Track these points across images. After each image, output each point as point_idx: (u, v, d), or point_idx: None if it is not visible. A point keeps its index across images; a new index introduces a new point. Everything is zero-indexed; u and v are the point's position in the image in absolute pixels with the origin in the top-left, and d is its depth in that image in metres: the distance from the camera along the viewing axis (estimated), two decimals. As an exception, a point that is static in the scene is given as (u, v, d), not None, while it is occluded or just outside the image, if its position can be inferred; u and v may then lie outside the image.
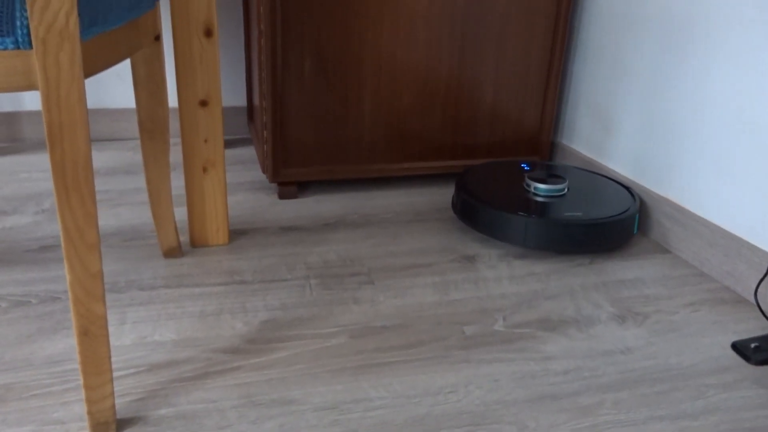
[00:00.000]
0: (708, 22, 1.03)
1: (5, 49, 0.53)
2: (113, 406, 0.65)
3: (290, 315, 0.88)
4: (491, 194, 1.14)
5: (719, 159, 1.03)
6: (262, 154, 1.30)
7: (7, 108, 1.55)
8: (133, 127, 1.63)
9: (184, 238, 1.09)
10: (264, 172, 1.31)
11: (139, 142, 1.62)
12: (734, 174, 1.00)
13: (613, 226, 1.07)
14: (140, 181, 1.35)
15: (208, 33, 0.94)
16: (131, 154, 1.53)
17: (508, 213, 1.06)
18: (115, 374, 0.75)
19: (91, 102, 1.60)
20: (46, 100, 0.54)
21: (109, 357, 0.64)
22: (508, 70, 1.33)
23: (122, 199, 1.25)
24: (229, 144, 1.63)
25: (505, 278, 1.01)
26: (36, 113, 1.57)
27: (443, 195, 1.34)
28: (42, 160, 1.45)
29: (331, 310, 0.90)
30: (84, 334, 0.62)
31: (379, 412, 0.71)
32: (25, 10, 0.52)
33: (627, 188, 1.20)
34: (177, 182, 1.34)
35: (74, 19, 0.53)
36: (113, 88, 1.60)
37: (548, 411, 0.72)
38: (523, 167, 1.27)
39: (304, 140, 1.27)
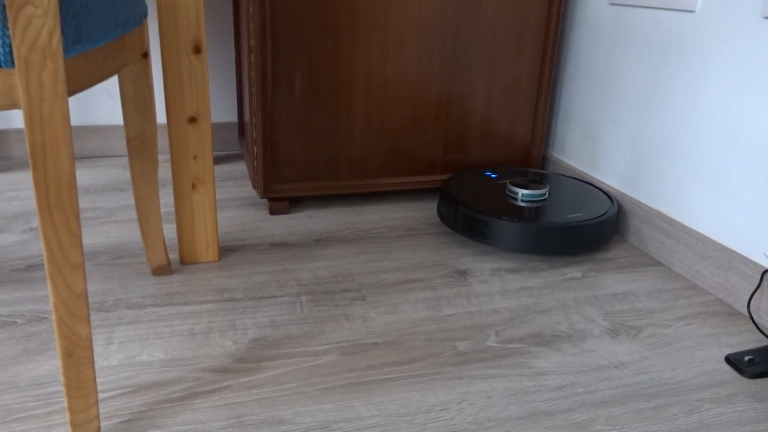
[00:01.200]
0: (700, 36, 1.04)
1: (-13, 67, 0.52)
2: (98, 429, 0.64)
3: (280, 332, 0.87)
4: (476, 201, 1.16)
5: (711, 172, 1.03)
6: (253, 169, 1.30)
7: (-4, 126, 1.55)
8: (122, 144, 1.63)
9: (174, 256, 1.08)
10: (255, 188, 1.30)
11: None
12: (726, 187, 1.00)
13: (597, 227, 1.10)
14: (129, 199, 1.34)
15: (197, 50, 0.94)
16: (121, 171, 1.52)
17: (494, 218, 1.09)
18: (102, 395, 0.74)
19: (81, 119, 1.59)
20: (29, 119, 0.54)
21: (94, 379, 0.62)
22: (499, 85, 1.33)
23: (111, 217, 1.24)
24: (219, 160, 1.62)
25: (497, 293, 1.00)
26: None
27: (434, 210, 1.34)
28: (30, 179, 1.44)
29: (322, 328, 0.89)
30: (68, 355, 0.61)
31: (370, 431, 0.70)
32: (7, 29, 0.52)
33: (604, 192, 1.24)
34: (166, 199, 1.33)
35: (57, 37, 0.52)
36: (102, 105, 1.59)
37: (542, 428, 0.71)
38: (489, 175, 1.28)
39: (295, 156, 1.26)
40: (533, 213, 1.12)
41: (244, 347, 0.84)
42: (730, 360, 0.84)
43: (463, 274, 1.06)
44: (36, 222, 1.20)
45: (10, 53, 0.52)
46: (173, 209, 1.28)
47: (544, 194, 1.19)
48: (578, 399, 0.76)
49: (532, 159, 1.41)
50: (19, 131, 1.56)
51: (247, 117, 1.41)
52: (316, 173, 1.29)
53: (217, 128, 1.67)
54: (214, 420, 0.70)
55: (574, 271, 1.09)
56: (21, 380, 0.76)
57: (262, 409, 0.72)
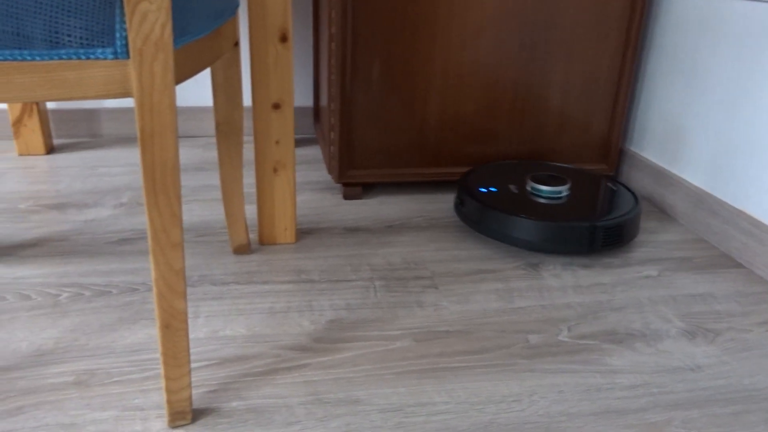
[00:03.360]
0: (794, 29, 0.99)
1: (105, 59, 0.56)
2: (190, 396, 0.69)
3: (355, 316, 0.90)
4: (495, 198, 1.14)
5: (802, 172, 0.99)
6: (328, 154, 1.33)
7: (88, 105, 1.64)
8: (203, 125, 1.69)
9: (253, 236, 1.13)
10: (330, 172, 1.33)
11: (210, 139, 1.68)
12: (818, 189, 0.96)
13: (621, 226, 1.08)
14: (211, 178, 1.40)
15: (284, 38, 0.97)
16: (202, 151, 1.58)
17: (512, 215, 1.08)
18: (191, 366, 0.78)
19: (166, 100, 1.66)
20: (140, 106, 0.57)
21: (188, 350, 0.67)
22: (578, 76, 1.31)
23: (194, 196, 1.30)
24: (295, 143, 1.67)
25: (570, 288, 1.00)
26: (115, 110, 1.65)
27: (507, 200, 1.33)
28: (120, 156, 1.52)
29: (395, 313, 0.91)
30: (166, 327, 0.65)
31: (442, 417, 0.71)
32: (124, 22, 0.55)
33: (628, 188, 1.21)
34: (248, 179, 1.38)
35: (169, 30, 0.56)
36: (186, 88, 1.66)
37: (614, 426, 0.71)
38: (481, 191, 1.17)
39: (370, 143, 1.29)
40: (549, 211, 1.10)
41: (321, 328, 0.87)
42: (815, 370, 0.82)
43: (535, 267, 1.06)
44: (126, 197, 1.28)
45: (126, 45, 0.56)
46: (254, 190, 1.33)
47: (560, 192, 1.15)
48: (652, 399, 0.76)
49: (609, 151, 1.38)
50: (108, 110, 1.65)
51: (323, 102, 1.44)
52: (389, 160, 1.31)
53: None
54: (294, 396, 0.74)
55: (650, 269, 1.07)
56: (117, 346, 0.82)
57: (339, 388, 0.75)
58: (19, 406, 0.71)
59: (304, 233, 1.15)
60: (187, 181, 1.38)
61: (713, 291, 1.01)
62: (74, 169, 1.43)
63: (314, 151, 1.61)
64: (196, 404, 0.72)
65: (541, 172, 1.25)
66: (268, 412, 0.71)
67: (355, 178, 1.30)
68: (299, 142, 1.68)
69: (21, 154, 1.51)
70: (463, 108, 1.29)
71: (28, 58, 0.54)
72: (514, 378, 0.78)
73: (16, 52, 0.54)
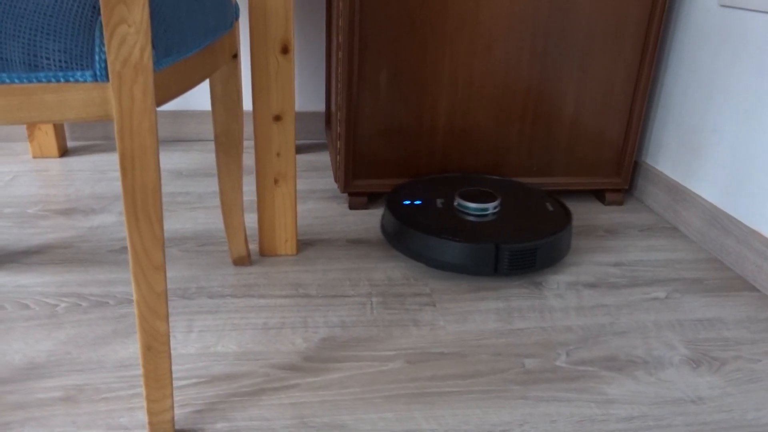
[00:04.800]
0: (815, 45, 0.95)
1: (84, 81, 0.55)
2: (173, 419, 0.68)
3: (349, 334, 0.89)
4: (414, 212, 1.09)
5: (819, 195, 0.95)
6: (335, 164, 1.32)
7: (103, 108, 1.65)
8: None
9: (254, 246, 1.12)
10: (336, 181, 1.32)
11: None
12: (835, 213, 0.92)
13: (547, 247, 1.03)
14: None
15: (285, 50, 0.96)
16: (211, 155, 1.58)
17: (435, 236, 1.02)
18: (178, 383, 0.78)
19: (178, 104, 1.67)
20: (120, 129, 0.57)
21: (170, 372, 0.66)
22: (592, 86, 1.28)
23: (200, 203, 1.30)
24: (305, 149, 1.66)
25: (572, 309, 0.97)
26: (128, 114, 1.66)
27: (515, 213, 1.31)
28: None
29: (390, 332, 0.90)
30: (147, 349, 0.65)
31: (428, 446, 0.70)
32: (104, 45, 0.55)
33: (565, 208, 1.14)
34: (249, 186, 1.38)
35: (148, 53, 0.55)
36: (198, 91, 1.66)
37: (606, 461, 0.69)
38: (404, 204, 1.13)
39: (377, 152, 1.27)
40: (464, 229, 1.04)
41: (314, 346, 0.86)
42: (824, 406, 0.78)
43: (538, 285, 1.04)
44: (132, 204, 1.28)
45: (106, 68, 0.55)
46: (255, 198, 1.32)
47: (487, 209, 1.09)
48: (648, 433, 0.73)
49: (623, 164, 1.35)
50: (123, 114, 1.65)
51: (334, 108, 1.43)
52: (396, 170, 1.29)
53: (304, 117, 1.71)
54: (279, 418, 0.73)
55: (658, 290, 1.04)
56: (108, 360, 0.82)
57: (325, 411, 0.74)
58: (7, 422, 0.71)
59: (306, 244, 1.14)
60: (194, 187, 1.38)
61: (723, 316, 0.97)
62: (85, 173, 1.44)
63: (325, 158, 1.60)
64: (181, 425, 0.72)
65: (479, 187, 1.19)
66: (252, 435, 0.70)
67: (360, 187, 1.29)
68: (311, 148, 1.67)
69: (35, 157, 1.53)
70: (472, 118, 1.27)
71: (7, 80, 0.54)
72: (506, 405, 0.76)
73: (-5, 75, 0.54)
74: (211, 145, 1.66)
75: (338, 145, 1.26)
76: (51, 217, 1.22)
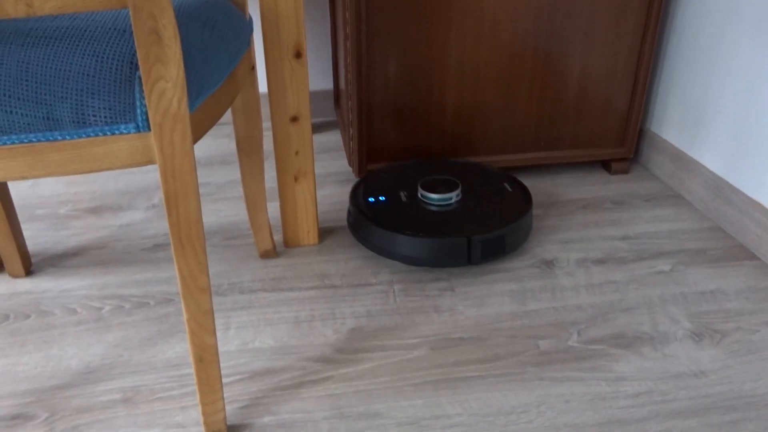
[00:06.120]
0: (813, 24, 0.97)
1: (128, 133, 0.60)
2: (224, 417, 0.76)
3: (375, 323, 0.96)
4: (388, 214, 1.10)
5: (816, 170, 0.99)
6: (348, 149, 1.36)
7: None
8: (226, 114, 1.73)
9: (278, 237, 1.18)
10: (350, 165, 1.37)
11: (232, 119, 1.72)
12: (831, 187, 0.96)
13: (505, 237, 1.06)
14: (236, 173, 1.45)
15: (298, 55, 0.99)
16: (227, 141, 1.63)
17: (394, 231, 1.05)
18: (224, 380, 0.86)
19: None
20: (163, 172, 0.62)
21: (220, 378, 0.73)
22: (597, 60, 1.30)
23: (221, 193, 1.36)
24: (316, 128, 1.70)
25: (582, 287, 1.03)
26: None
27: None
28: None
29: (413, 320, 0.97)
30: (199, 360, 0.72)
31: (455, 430, 0.77)
32: (144, 98, 0.59)
33: (524, 188, 1.17)
34: (270, 173, 1.43)
35: (185, 104, 0.59)
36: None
37: (616, 437, 0.76)
38: (370, 201, 1.14)
39: (388, 136, 1.31)
40: (430, 222, 1.07)
41: (343, 337, 0.93)
42: (816, 373, 0.85)
43: (549, 264, 1.10)
44: (157, 198, 1.34)
45: (147, 120, 0.60)
46: (275, 184, 1.38)
47: (450, 199, 1.11)
48: (654, 408, 0.80)
49: (627, 135, 1.38)
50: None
51: (342, 86, 1.46)
52: (408, 152, 1.34)
53: (312, 96, 1.74)
54: (319, 410, 0.81)
55: (663, 263, 1.09)
56: (158, 361, 0.89)
57: (359, 401, 0.82)
58: (76, 425, 0.79)
59: (326, 232, 1.20)
60: (212, 177, 1.43)
61: (724, 287, 1.03)
62: (107, 167, 1.49)
63: (336, 137, 1.64)
64: (231, 420, 0.79)
65: (439, 174, 1.21)
66: (296, 428, 0.78)
67: (374, 172, 1.33)
68: (322, 127, 1.71)
69: (56, 152, 1.58)
70: (480, 98, 1.31)
71: (59, 138, 0.59)
72: (523, 387, 0.84)
73: (48, 134, 0.59)
74: (225, 130, 1.70)
75: (350, 132, 1.30)
76: (82, 216, 1.28)
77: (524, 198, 1.15)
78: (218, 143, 1.62)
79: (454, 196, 1.12)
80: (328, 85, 1.74)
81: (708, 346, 0.90)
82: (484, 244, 1.04)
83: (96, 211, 1.30)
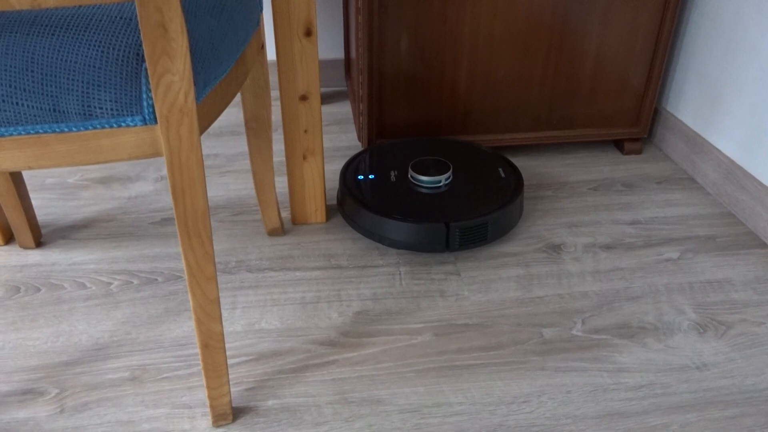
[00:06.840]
0: (840, 11, 0.94)
1: (135, 125, 0.60)
2: (230, 401, 0.77)
3: (380, 307, 0.96)
4: (375, 194, 1.09)
5: (833, 162, 0.97)
6: (358, 124, 1.35)
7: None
8: (237, 81, 1.71)
9: (286, 214, 1.18)
10: (359, 140, 1.36)
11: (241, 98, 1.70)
12: None
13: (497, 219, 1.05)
14: (245, 145, 1.44)
15: (308, 33, 0.97)
16: (236, 111, 1.61)
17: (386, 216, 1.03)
18: (230, 361, 0.87)
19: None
20: (170, 165, 0.62)
21: (226, 364, 0.74)
22: (614, 36, 1.27)
23: (230, 166, 1.35)
24: (325, 99, 1.68)
25: (589, 273, 1.03)
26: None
27: (538, 168, 1.34)
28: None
29: (418, 304, 0.97)
30: (205, 346, 0.73)
31: (456, 419, 0.79)
32: (150, 91, 0.58)
33: (517, 173, 1.14)
34: (278, 146, 1.42)
35: (192, 97, 0.59)
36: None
37: (615, 430, 0.77)
38: (359, 179, 1.13)
39: (399, 112, 1.30)
40: (415, 205, 1.05)
41: (349, 321, 0.94)
42: (819, 370, 0.85)
43: (557, 249, 1.09)
44: (165, 169, 1.34)
45: (153, 112, 0.59)
46: (283, 158, 1.37)
47: (439, 182, 1.09)
48: (655, 401, 0.81)
49: (642, 114, 1.36)
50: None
51: (353, 55, 1.44)
52: (418, 130, 1.32)
53: (322, 65, 1.71)
54: (323, 394, 0.82)
55: (671, 251, 1.09)
56: (165, 340, 0.91)
57: (363, 387, 0.83)
58: (85, 402, 0.81)
59: (334, 210, 1.20)
60: (222, 148, 1.43)
61: (732, 277, 1.03)
62: (116, 135, 1.49)
63: (345, 109, 1.62)
64: (237, 402, 0.81)
65: (433, 154, 1.18)
66: (300, 412, 0.79)
67: (384, 148, 1.32)
68: (332, 97, 1.69)
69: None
70: (493, 76, 1.28)
71: (66, 130, 0.59)
72: (525, 377, 0.85)
73: (55, 125, 0.58)
74: (235, 98, 1.68)
75: (361, 108, 1.29)
76: (91, 187, 1.28)
77: (515, 184, 1.12)
78: (228, 112, 1.60)
79: (443, 179, 1.09)
80: (339, 54, 1.72)
81: (712, 338, 0.91)
82: (463, 231, 1.02)
83: (105, 181, 1.30)
